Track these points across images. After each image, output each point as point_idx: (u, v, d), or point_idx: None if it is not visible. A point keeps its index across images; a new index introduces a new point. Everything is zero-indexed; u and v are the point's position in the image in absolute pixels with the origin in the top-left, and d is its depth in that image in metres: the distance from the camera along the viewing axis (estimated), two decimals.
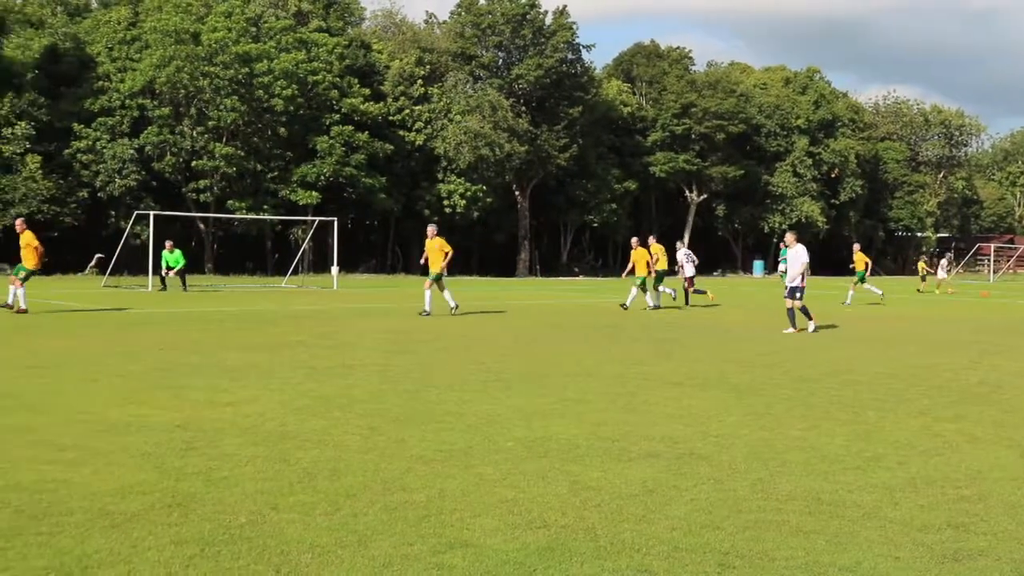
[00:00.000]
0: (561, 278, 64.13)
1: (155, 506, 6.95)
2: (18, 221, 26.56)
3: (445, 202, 63.09)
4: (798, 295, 22.53)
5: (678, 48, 79.02)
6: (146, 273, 38.48)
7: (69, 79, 56.57)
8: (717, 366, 15.83)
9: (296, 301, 32.09)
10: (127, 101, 55.75)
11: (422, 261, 27.05)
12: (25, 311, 24.15)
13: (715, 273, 78.37)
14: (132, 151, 54.66)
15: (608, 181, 69.39)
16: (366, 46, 65.12)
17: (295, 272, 49.14)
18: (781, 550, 6.25)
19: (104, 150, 54.28)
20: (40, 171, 51.39)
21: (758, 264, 79.01)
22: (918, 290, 48.19)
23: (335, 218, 46.55)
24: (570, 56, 67.67)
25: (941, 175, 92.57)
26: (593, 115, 69.01)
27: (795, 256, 22.81)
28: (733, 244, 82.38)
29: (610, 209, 69.33)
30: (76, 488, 7.40)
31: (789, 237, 23.72)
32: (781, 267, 56.07)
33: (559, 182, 68.73)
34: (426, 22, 71.48)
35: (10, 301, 24.76)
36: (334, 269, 45.02)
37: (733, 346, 19.33)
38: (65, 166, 53.94)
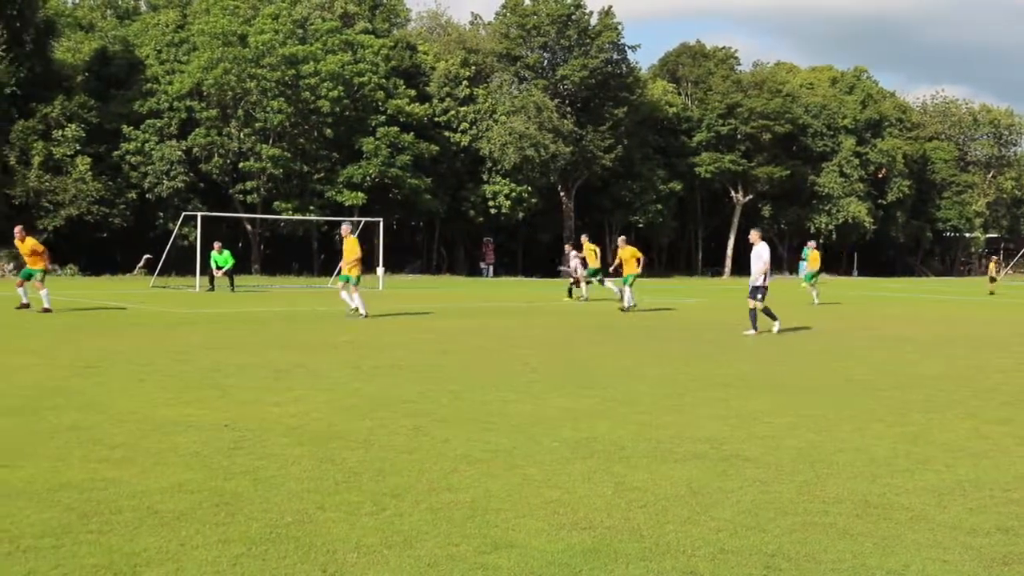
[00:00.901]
0: (606, 279, 63.96)
1: (203, 505, 7.00)
2: (17, 229, 26.39)
3: (490, 203, 63.17)
4: (759, 295, 21.96)
5: (724, 48, 78.75)
6: (194, 274, 38.78)
7: (118, 82, 57.13)
8: (763, 367, 15.75)
9: (342, 302, 32.18)
10: (175, 103, 56.22)
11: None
12: (49, 310, 24.46)
13: None
14: (180, 153, 55.11)
15: (653, 182, 69.22)
16: (412, 47, 65.31)
17: (339, 272, 49.29)
18: (828, 553, 6.21)
19: (152, 152, 54.76)
20: (90, 173, 51.89)
21: (804, 265, 78.45)
22: (991, 292, 47.29)
23: (380, 219, 46.70)
24: (615, 56, 67.56)
25: (990, 175, 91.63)
26: (638, 115, 68.87)
27: (756, 255, 22.24)
28: (779, 245, 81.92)
29: (655, 210, 69.15)
30: (125, 487, 7.47)
31: (753, 235, 23.00)
32: (804, 267, 55.75)
33: (604, 183, 68.63)
34: (471, 23, 71.72)
35: (25, 300, 25.42)
36: (379, 270, 45.15)
37: (777, 347, 19.23)
38: (114, 168, 54.46)
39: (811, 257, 36.66)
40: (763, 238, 22.94)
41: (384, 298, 34.88)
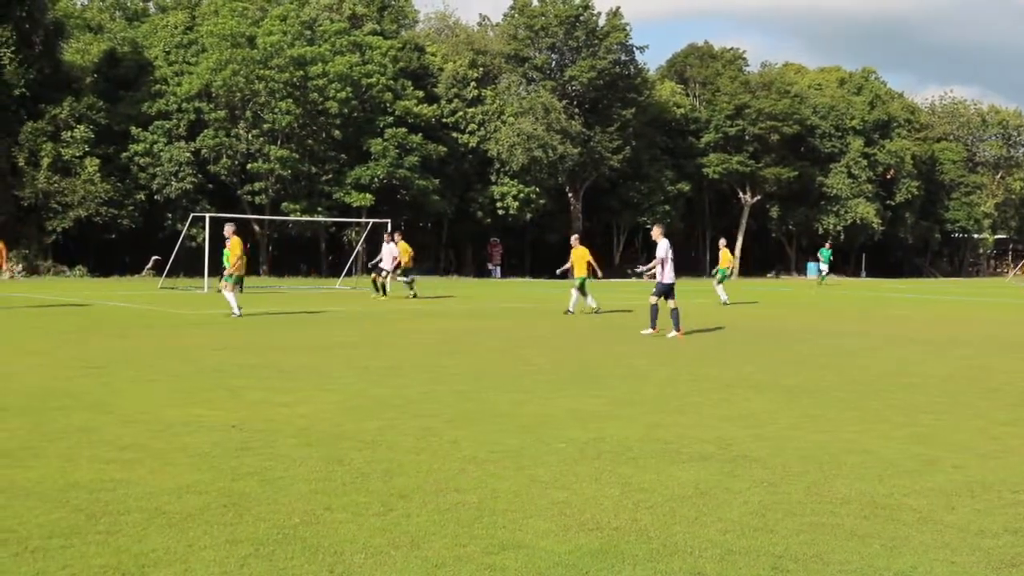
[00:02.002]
0: (613, 280, 63.99)
1: (211, 506, 7.01)
2: None
3: (498, 204, 63.20)
4: (666, 294, 21.63)
5: (731, 49, 78.70)
6: (202, 275, 38.83)
7: (127, 83, 57.24)
8: (770, 368, 15.74)
9: (350, 302, 32.26)
10: (184, 104, 56.32)
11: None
12: None
13: (769, 275, 78.00)
14: (188, 154, 55.21)
15: (661, 183, 69.22)
16: (420, 49, 65.36)
17: (349, 273, 49.36)
18: (835, 554, 6.21)
19: (161, 153, 54.86)
20: (99, 174, 52.00)
21: (812, 266, 78.40)
22: None
23: (389, 220, 46.72)
24: (623, 57, 67.58)
25: (999, 176, 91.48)
26: (646, 116, 68.88)
27: (662, 251, 21.73)
28: (787, 246, 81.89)
29: (663, 211, 69.12)
30: (134, 487, 7.48)
31: (655, 231, 22.45)
32: (823, 268, 55.68)
33: (612, 184, 68.64)
34: (479, 24, 71.71)
35: None
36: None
37: (786, 348, 19.22)
38: (123, 169, 54.56)
39: (722, 256, 35.35)
40: (664, 234, 22.30)
41: (392, 299, 34.89)
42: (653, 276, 22.35)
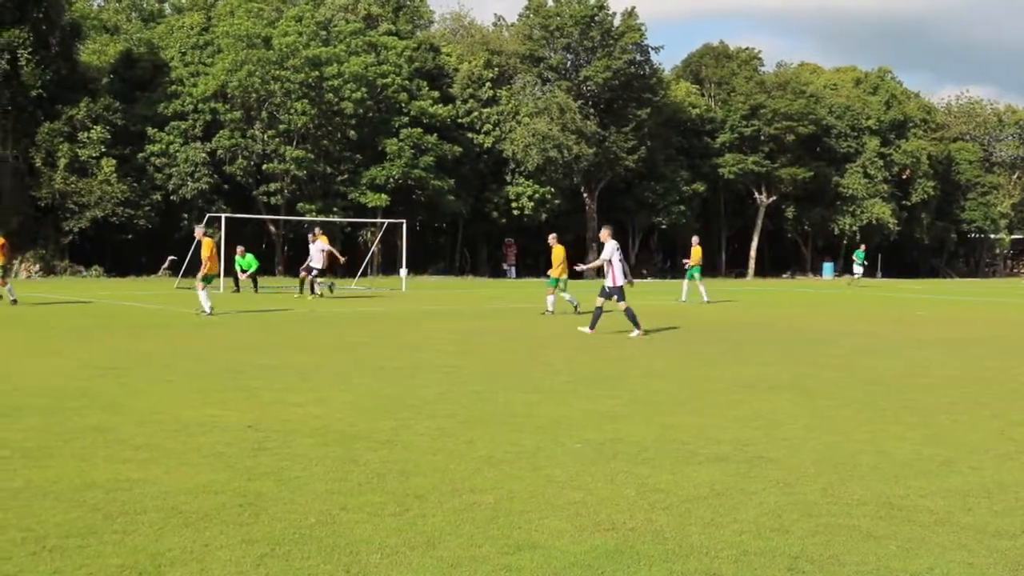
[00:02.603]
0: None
1: (227, 505, 7.03)
2: None
3: (513, 204, 63.22)
4: (615, 296, 21.36)
5: (747, 49, 78.57)
6: (217, 275, 38.91)
7: (143, 84, 57.42)
8: (788, 368, 15.71)
9: (365, 303, 32.30)
10: (199, 105, 56.46)
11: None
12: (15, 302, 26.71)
13: (784, 275, 77.85)
14: (204, 154, 55.34)
15: (676, 183, 69.13)
16: (435, 49, 65.41)
17: (364, 274, 49.42)
18: (851, 555, 6.19)
19: (177, 153, 55.00)
20: (115, 174, 52.16)
21: (828, 266, 78.33)
22: None
23: (404, 220, 46.78)
24: (638, 57, 67.52)
25: (1015, 176, 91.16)
26: (661, 117, 68.81)
27: (608, 252, 21.37)
28: (803, 246, 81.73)
29: (678, 211, 69.06)
30: (150, 487, 7.50)
31: (603, 233, 22.20)
32: (858, 269, 55.37)
33: (627, 184, 68.59)
34: (495, 24, 71.77)
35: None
36: (403, 271, 45.24)
37: (804, 348, 19.17)
38: (139, 169, 54.72)
39: (693, 253, 34.85)
40: (612, 236, 21.98)
41: (407, 299, 34.95)
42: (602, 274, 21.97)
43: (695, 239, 36.09)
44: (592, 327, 21.28)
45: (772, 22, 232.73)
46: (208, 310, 24.68)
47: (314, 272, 33.92)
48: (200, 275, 25.43)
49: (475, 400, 11.91)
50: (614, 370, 15.16)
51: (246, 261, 37.63)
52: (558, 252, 27.07)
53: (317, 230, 35.75)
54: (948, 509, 7.32)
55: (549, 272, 27.42)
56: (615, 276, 21.32)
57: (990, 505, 7.46)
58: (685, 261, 35.73)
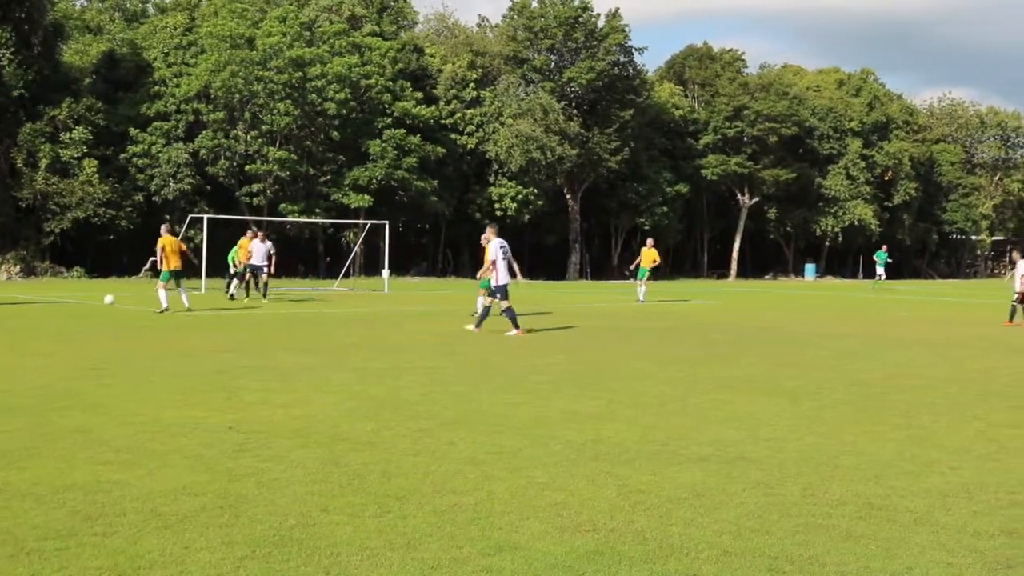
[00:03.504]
0: (612, 281, 64.05)
1: (207, 507, 7.01)
2: None
3: (496, 205, 63.20)
4: (498, 295, 21.33)
5: (730, 50, 78.67)
6: (199, 276, 38.79)
7: (126, 84, 57.22)
8: (770, 369, 15.75)
9: (348, 304, 32.26)
10: (182, 106, 56.29)
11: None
12: None
13: (767, 276, 78.02)
14: (187, 155, 55.16)
15: (659, 184, 69.19)
16: (419, 50, 65.35)
17: (347, 275, 49.35)
18: (831, 555, 6.21)
19: (159, 154, 54.81)
20: (97, 175, 51.95)
21: (810, 267, 78.51)
22: None
23: (387, 221, 46.71)
24: (622, 59, 67.53)
25: (997, 177, 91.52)
26: (645, 118, 68.86)
27: (492, 252, 21.44)
28: (785, 247, 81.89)
29: (661, 212, 69.12)
30: (130, 489, 7.48)
31: (488, 231, 22.28)
32: (880, 271, 55.11)
33: (610, 185, 68.63)
34: (478, 25, 71.70)
35: None
36: (385, 272, 45.18)
37: (787, 349, 19.22)
38: (121, 170, 54.52)
39: (644, 254, 34.80)
40: (497, 234, 22.03)
41: (390, 300, 34.91)
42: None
43: (649, 241, 36.25)
44: (478, 326, 21.26)
45: (755, 24, 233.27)
46: (164, 306, 25.57)
47: (265, 272, 32.56)
48: (145, 270, 26.10)
49: (457, 401, 11.91)
50: (595, 371, 15.17)
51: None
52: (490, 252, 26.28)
53: (253, 230, 34.91)
54: (928, 509, 7.35)
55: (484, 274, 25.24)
56: (499, 275, 21.42)
57: (970, 505, 7.49)
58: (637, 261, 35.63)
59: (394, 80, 60.48)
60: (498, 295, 21.46)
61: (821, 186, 77.60)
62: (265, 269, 32.72)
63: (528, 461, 8.66)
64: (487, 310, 21.67)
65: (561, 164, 63.45)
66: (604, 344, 19.83)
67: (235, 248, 35.66)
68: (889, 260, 58.32)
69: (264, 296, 32.14)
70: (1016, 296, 27.32)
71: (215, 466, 8.27)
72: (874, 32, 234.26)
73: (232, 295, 33.03)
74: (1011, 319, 27.17)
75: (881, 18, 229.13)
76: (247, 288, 32.89)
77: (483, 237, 26.41)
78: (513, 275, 21.90)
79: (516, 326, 21.04)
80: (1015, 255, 29.58)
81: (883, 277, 55.52)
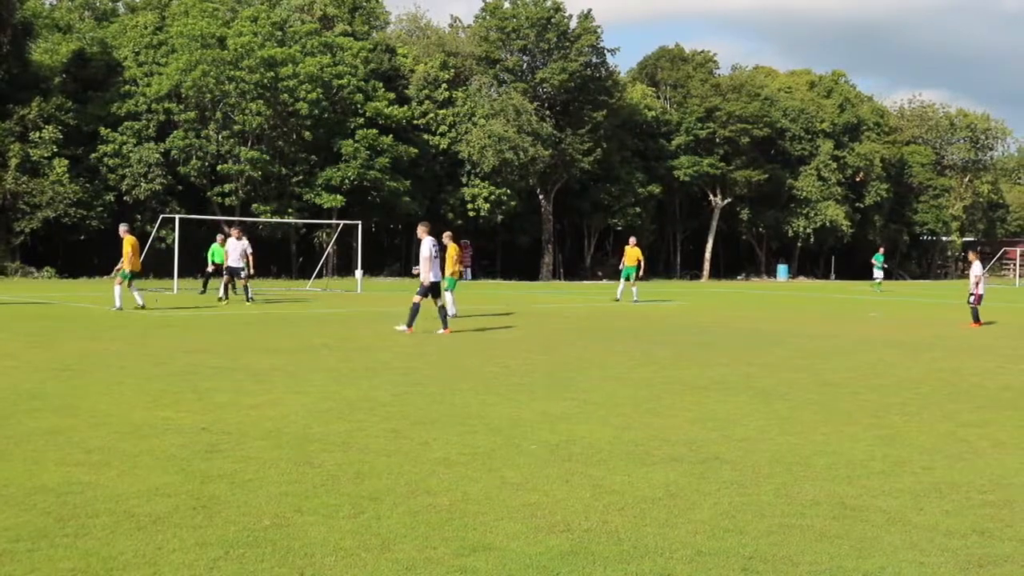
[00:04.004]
0: (584, 282, 64.12)
1: (180, 508, 6.98)
2: None
3: (469, 206, 63.14)
4: (429, 295, 21.41)
5: (702, 52, 78.82)
6: (171, 276, 38.63)
7: (96, 83, 56.86)
8: (742, 370, 15.80)
9: (321, 304, 32.18)
10: (153, 105, 55.98)
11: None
12: None
13: (739, 277, 78.26)
14: (158, 155, 54.85)
15: (632, 185, 69.26)
16: (391, 50, 65.21)
17: (319, 275, 49.21)
18: (805, 555, 6.23)
19: (130, 154, 54.49)
20: (67, 175, 51.61)
21: (782, 268, 78.75)
22: None
23: (359, 221, 46.61)
24: (594, 60, 67.54)
25: (967, 179, 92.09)
26: (617, 119, 68.90)
27: (424, 250, 21.42)
28: (757, 248, 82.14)
29: (634, 213, 69.19)
30: (102, 490, 7.44)
31: (420, 229, 22.23)
32: (878, 274, 55.17)
33: (583, 186, 68.66)
34: (451, 26, 71.58)
35: None
36: (358, 272, 45.09)
37: (760, 350, 19.28)
38: (92, 170, 54.18)
39: (628, 254, 35.56)
40: (429, 232, 21.96)
41: (363, 300, 34.85)
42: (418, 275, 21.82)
43: (632, 240, 36.78)
44: (409, 325, 21.20)
45: (727, 25, 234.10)
46: (118, 304, 26.25)
47: (244, 274, 32.21)
48: (116, 270, 27.11)
49: (430, 402, 11.90)
50: (569, 372, 15.18)
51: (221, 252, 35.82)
52: (451, 251, 26.16)
53: (234, 229, 34.65)
54: (900, 509, 7.39)
55: (445, 272, 25.51)
56: (433, 272, 21.47)
57: (941, 505, 7.54)
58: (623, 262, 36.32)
59: (366, 80, 60.35)
60: (430, 293, 21.48)
61: (793, 187, 77.86)
62: (243, 271, 32.20)
63: (502, 462, 8.66)
64: (417, 307, 21.56)
65: (534, 165, 63.45)
66: (577, 345, 19.84)
67: (214, 247, 35.53)
68: (886, 265, 58.31)
69: (248, 299, 31.63)
70: (972, 297, 27.38)
71: (188, 467, 8.24)
72: (845, 34, 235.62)
73: (221, 297, 32.48)
74: (976, 321, 27.28)
75: (851, 21, 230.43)
76: (226, 290, 32.41)
77: (446, 235, 26.54)
78: (441, 274, 21.96)
79: (410, 324, 21.11)
80: (971, 256, 29.74)
81: (881, 279, 55.47)
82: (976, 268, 27.55)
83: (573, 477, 8.14)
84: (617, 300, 35.06)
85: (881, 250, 57.85)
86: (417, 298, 21.68)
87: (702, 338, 21.84)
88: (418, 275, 22.21)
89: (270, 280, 52.56)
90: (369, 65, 61.19)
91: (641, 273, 36.03)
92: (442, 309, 21.51)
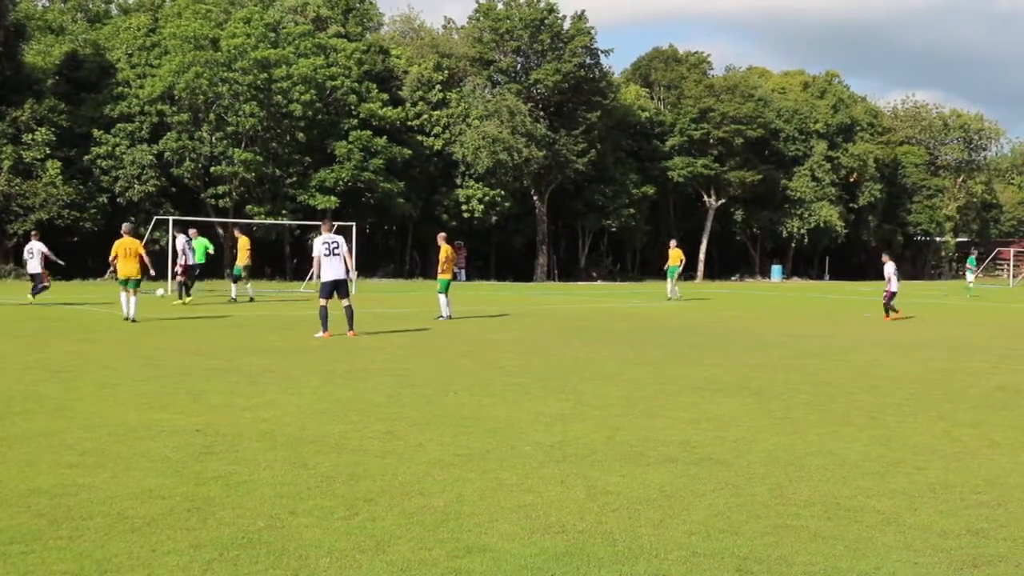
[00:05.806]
0: (579, 283, 64.13)
1: (174, 510, 6.97)
2: None
3: (463, 207, 63.15)
4: (335, 293, 21.25)
5: (696, 53, 78.88)
6: (164, 278, 38.58)
7: (89, 85, 56.78)
8: (738, 371, 15.80)
9: (314, 306, 32.09)
10: (146, 107, 55.90)
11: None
12: None
13: (733, 277, 78.29)
14: (151, 157, 54.79)
15: (626, 186, 69.28)
16: (384, 51, 65.19)
17: (313, 277, 49.15)
18: (799, 556, 6.24)
19: (123, 156, 54.42)
20: (60, 177, 51.54)
21: (776, 268, 78.79)
22: None
23: (353, 223, 46.56)
24: (588, 61, 67.58)
25: (960, 179, 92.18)
26: (611, 120, 68.93)
27: (314, 251, 21.43)
28: (751, 249, 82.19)
29: (628, 214, 69.21)
30: (96, 492, 7.43)
31: (322, 227, 22.41)
32: (970, 277, 54.86)
33: (577, 187, 68.68)
34: (444, 27, 71.60)
35: None
36: (352, 274, 45.01)
37: (755, 351, 19.29)
38: (85, 172, 54.11)
39: (672, 254, 39.37)
40: (331, 230, 22.19)
41: (357, 301, 34.77)
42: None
43: (672, 241, 40.76)
44: (325, 329, 20.91)
45: (721, 26, 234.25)
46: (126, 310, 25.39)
47: (231, 275, 32.28)
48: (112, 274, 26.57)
49: (425, 403, 11.89)
50: (564, 372, 15.18)
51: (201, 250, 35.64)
52: (445, 252, 26.45)
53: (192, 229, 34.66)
54: (895, 509, 7.39)
55: (440, 274, 26.60)
56: (320, 272, 21.30)
57: (935, 505, 7.55)
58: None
59: (360, 81, 60.32)
60: (332, 294, 21.30)
61: (787, 188, 77.92)
62: (232, 272, 32.22)
63: (497, 463, 8.66)
64: (325, 310, 21.29)
65: (528, 166, 63.46)
66: (571, 345, 19.84)
67: (201, 245, 35.47)
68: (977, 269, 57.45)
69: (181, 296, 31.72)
70: (886, 295, 29.67)
71: (182, 469, 8.23)
72: (838, 35, 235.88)
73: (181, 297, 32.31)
74: (887, 314, 29.44)
75: (845, 21, 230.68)
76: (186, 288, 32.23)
77: (440, 236, 26.79)
78: (346, 272, 21.83)
79: (323, 329, 20.83)
80: (884, 257, 32.15)
81: (972, 282, 54.48)
82: (889, 268, 30.09)
83: (568, 478, 8.14)
84: (669, 299, 38.57)
85: (974, 253, 57.26)
86: (322, 301, 21.37)
87: (697, 339, 21.84)
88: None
89: (264, 281, 52.49)
90: (363, 66, 61.18)
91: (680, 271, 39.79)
92: (322, 310, 21.16)
